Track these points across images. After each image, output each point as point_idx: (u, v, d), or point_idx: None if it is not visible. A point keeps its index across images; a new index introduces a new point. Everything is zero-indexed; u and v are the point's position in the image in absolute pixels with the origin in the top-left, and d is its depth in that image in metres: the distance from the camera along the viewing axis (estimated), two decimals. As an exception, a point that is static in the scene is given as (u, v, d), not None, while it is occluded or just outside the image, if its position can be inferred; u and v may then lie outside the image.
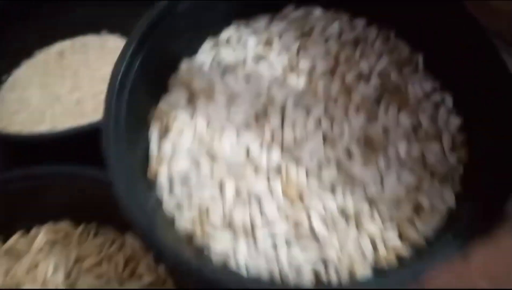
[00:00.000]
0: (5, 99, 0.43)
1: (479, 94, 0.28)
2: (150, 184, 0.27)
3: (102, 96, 0.41)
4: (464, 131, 0.28)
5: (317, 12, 0.32)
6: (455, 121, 0.28)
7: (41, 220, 0.31)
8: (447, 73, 0.29)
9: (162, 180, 0.27)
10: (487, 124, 0.27)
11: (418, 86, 0.29)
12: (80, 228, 0.31)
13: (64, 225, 0.31)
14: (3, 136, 0.38)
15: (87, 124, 0.34)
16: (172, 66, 0.30)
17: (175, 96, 0.29)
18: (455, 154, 0.27)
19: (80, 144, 0.36)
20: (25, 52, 0.45)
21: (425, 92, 0.29)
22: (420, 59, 0.30)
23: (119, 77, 0.27)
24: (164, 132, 0.28)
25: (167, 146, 0.27)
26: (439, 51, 0.29)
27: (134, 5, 0.31)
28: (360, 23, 0.31)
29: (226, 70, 0.30)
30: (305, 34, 0.31)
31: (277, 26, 0.31)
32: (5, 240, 0.31)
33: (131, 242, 0.29)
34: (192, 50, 0.31)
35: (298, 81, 0.29)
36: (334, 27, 0.31)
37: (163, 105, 0.29)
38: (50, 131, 0.36)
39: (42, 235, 0.30)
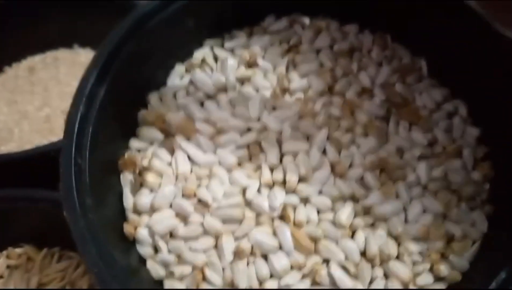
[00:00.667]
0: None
1: (495, 99, 0.24)
2: (128, 243, 0.23)
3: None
4: (484, 143, 0.25)
5: (302, 21, 0.28)
6: (473, 132, 0.25)
7: (2, 245, 0.28)
8: (456, 78, 0.26)
9: (143, 236, 0.22)
10: (509, 131, 0.24)
11: (427, 95, 0.26)
12: (43, 252, 0.28)
13: (26, 250, 0.28)
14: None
15: (48, 144, 0.31)
16: (141, 96, 0.26)
17: (148, 133, 0.25)
18: (478, 170, 0.24)
19: (42, 166, 0.33)
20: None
21: (436, 101, 0.25)
22: (424, 64, 0.27)
23: (79, 112, 0.22)
24: (139, 178, 0.24)
25: (145, 196, 0.23)
26: (444, 54, 0.26)
27: (106, 18, 0.28)
28: (351, 29, 0.28)
29: (205, 97, 0.26)
30: (292, 48, 0.27)
31: (258, 41, 0.27)
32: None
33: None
34: (162, 75, 0.27)
35: (292, 104, 0.25)
36: (324, 37, 0.27)
37: (134, 144, 0.25)
38: (8, 153, 0.32)
39: (2, 260, 0.28)
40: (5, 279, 0.28)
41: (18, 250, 0.28)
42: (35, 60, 0.44)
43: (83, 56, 0.44)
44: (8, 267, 0.28)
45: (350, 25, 0.28)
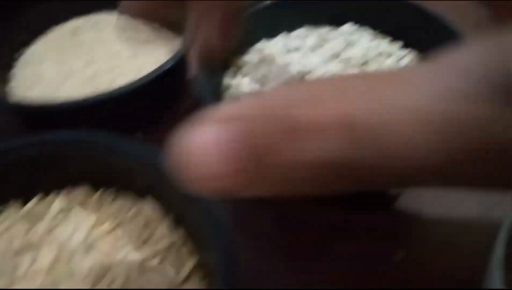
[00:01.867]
0: (20, 74, 0.44)
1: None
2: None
3: (117, 71, 0.43)
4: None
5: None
6: None
7: (59, 186, 0.31)
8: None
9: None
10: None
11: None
12: (98, 194, 0.31)
13: (82, 191, 0.31)
14: (18, 105, 0.39)
15: (103, 92, 0.35)
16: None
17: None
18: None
19: (97, 113, 0.37)
20: (39, 30, 0.46)
21: None
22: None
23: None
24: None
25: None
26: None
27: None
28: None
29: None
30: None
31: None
32: (24, 204, 0.31)
33: (149, 208, 0.30)
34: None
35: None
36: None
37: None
38: (67, 100, 0.36)
39: (60, 199, 0.31)
40: (64, 217, 0.30)
41: (74, 191, 0.31)
42: (78, 23, 0.48)
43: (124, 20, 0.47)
44: (65, 206, 0.31)
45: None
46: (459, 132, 0.12)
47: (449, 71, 0.12)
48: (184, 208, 0.28)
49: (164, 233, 0.29)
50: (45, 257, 0.28)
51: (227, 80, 0.36)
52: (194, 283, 0.27)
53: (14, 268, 0.28)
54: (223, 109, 0.13)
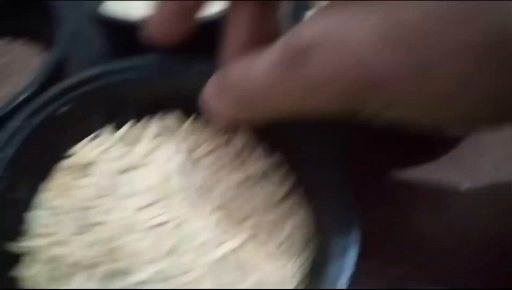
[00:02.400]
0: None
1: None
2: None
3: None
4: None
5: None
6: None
7: (151, 111, 0.32)
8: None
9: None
10: None
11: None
12: (190, 119, 0.31)
13: (174, 117, 0.31)
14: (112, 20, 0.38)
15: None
16: None
17: None
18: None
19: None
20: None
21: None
22: None
23: None
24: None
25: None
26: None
27: None
28: None
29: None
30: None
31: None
32: (117, 129, 0.32)
33: (241, 136, 0.30)
34: None
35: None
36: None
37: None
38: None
39: (154, 123, 0.31)
40: (159, 141, 0.31)
41: (167, 116, 0.32)
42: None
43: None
44: (159, 130, 0.31)
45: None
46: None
47: None
48: (279, 133, 0.28)
49: (259, 156, 0.29)
50: (146, 177, 0.29)
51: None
52: (294, 200, 0.28)
53: (116, 187, 0.29)
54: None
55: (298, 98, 0.17)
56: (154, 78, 0.31)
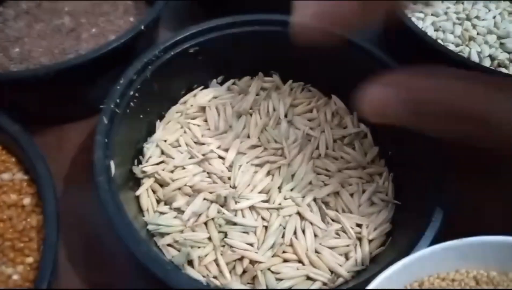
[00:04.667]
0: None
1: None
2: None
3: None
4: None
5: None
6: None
7: (252, 72, 0.35)
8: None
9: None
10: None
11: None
12: (289, 82, 0.35)
13: (274, 78, 0.35)
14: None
15: None
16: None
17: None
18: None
19: None
20: None
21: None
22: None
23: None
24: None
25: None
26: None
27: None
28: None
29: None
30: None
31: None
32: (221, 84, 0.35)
33: (337, 101, 0.34)
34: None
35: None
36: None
37: None
38: None
39: (258, 80, 0.35)
40: (263, 95, 0.34)
41: (267, 78, 0.35)
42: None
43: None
44: (262, 87, 0.35)
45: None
46: None
47: None
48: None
49: (350, 123, 0.33)
50: (255, 122, 0.32)
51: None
52: (379, 166, 0.32)
53: (228, 128, 0.32)
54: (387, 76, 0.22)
55: None
56: (259, 38, 0.33)
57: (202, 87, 0.35)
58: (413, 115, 0.21)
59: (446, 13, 0.40)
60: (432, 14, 0.41)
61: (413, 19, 0.40)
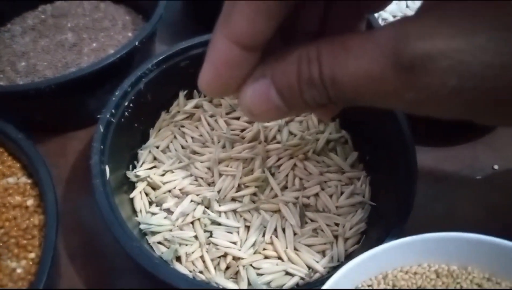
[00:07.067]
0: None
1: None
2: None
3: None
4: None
5: None
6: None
7: None
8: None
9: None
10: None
11: None
12: None
13: None
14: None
15: None
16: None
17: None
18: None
19: None
20: None
21: None
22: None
23: None
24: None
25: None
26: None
27: None
28: None
29: None
30: None
31: None
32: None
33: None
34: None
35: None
36: None
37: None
38: None
39: None
40: None
41: None
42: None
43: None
44: None
45: None
46: None
47: None
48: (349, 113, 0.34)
49: (333, 129, 0.36)
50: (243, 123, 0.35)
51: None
52: (359, 170, 0.34)
53: (217, 129, 0.35)
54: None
55: (413, 100, 0.18)
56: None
57: (186, 91, 0.37)
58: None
59: None
60: None
61: None
